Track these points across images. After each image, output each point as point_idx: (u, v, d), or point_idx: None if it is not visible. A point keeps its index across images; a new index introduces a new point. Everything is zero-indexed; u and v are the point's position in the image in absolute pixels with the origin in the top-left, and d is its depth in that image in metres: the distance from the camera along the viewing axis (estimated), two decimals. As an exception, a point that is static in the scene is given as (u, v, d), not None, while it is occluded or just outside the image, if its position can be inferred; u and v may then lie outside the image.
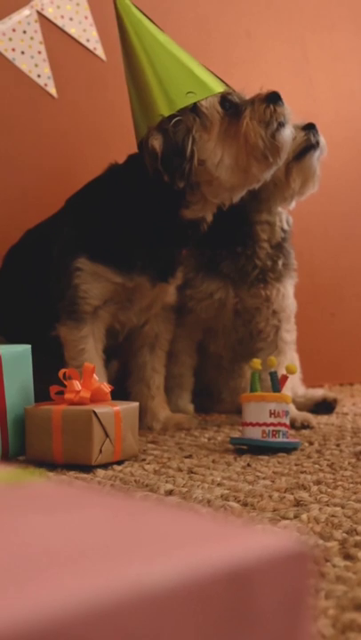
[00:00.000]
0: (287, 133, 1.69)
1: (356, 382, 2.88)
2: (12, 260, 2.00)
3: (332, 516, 1.01)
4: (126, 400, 1.61)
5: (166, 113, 1.63)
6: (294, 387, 2.08)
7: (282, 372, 1.63)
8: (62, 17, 2.30)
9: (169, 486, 1.20)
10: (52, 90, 2.29)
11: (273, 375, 1.58)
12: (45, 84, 2.28)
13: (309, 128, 1.92)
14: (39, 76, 2.27)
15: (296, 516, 1.02)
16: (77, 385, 1.43)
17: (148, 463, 1.42)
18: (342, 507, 1.06)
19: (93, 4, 2.34)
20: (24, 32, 2.24)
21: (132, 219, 1.72)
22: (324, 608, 0.69)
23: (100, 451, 1.37)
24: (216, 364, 2.16)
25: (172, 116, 1.63)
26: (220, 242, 1.96)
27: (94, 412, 1.36)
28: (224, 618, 0.35)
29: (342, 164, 2.88)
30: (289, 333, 2.03)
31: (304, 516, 1.01)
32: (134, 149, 1.75)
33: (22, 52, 2.24)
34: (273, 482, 1.23)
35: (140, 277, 1.75)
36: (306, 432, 1.77)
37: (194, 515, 0.43)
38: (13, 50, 2.23)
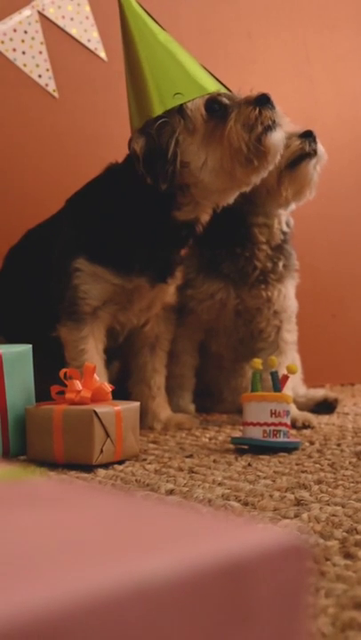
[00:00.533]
0: (276, 137, 1.64)
1: (357, 382, 2.88)
2: (12, 260, 2.00)
3: (333, 515, 1.01)
4: (127, 400, 1.61)
5: (158, 112, 1.63)
6: (295, 387, 2.08)
7: (283, 371, 1.63)
8: (63, 17, 2.30)
9: (170, 486, 1.20)
10: (53, 90, 2.30)
11: (274, 375, 1.58)
12: (46, 85, 2.29)
13: (306, 136, 1.89)
14: (40, 76, 2.27)
15: (297, 516, 1.02)
16: (78, 385, 1.43)
17: (149, 463, 1.42)
18: (343, 506, 1.06)
19: (94, 5, 2.35)
20: (25, 32, 2.24)
21: (128, 219, 1.72)
22: (323, 606, 0.69)
23: (101, 450, 1.37)
24: (217, 363, 2.16)
25: (158, 118, 1.63)
26: (219, 242, 1.96)
27: (95, 412, 1.36)
28: (221, 612, 0.35)
29: (344, 165, 2.88)
30: (290, 333, 2.03)
31: (305, 516, 1.01)
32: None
33: (23, 53, 2.24)
34: (274, 481, 1.23)
35: (139, 279, 1.75)
36: (307, 432, 1.77)
37: (191, 511, 0.43)
38: (14, 50, 2.23)
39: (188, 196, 1.70)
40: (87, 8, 2.34)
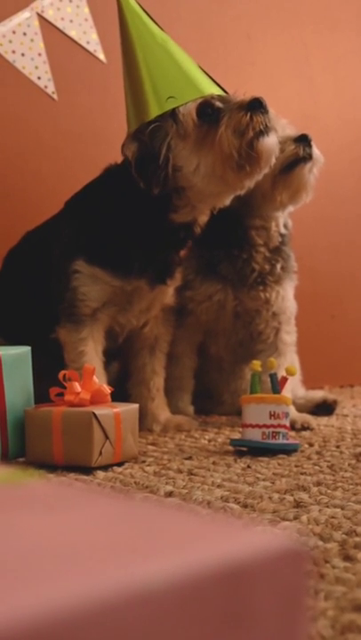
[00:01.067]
0: (268, 142, 1.63)
1: (357, 384, 2.88)
2: (11, 261, 2.00)
3: (332, 517, 1.01)
4: (126, 402, 1.61)
5: (154, 115, 1.63)
6: (294, 388, 2.08)
7: (282, 373, 1.63)
8: (62, 19, 2.31)
9: (169, 488, 1.20)
10: (53, 91, 2.30)
11: (273, 377, 1.58)
12: (45, 86, 2.29)
13: (301, 140, 1.88)
14: (39, 78, 2.27)
15: (296, 518, 1.02)
16: (77, 387, 1.43)
17: (149, 465, 1.41)
18: (342, 508, 1.06)
19: (94, 7, 2.35)
20: (24, 34, 2.24)
21: (126, 221, 1.72)
22: (323, 609, 0.69)
23: (100, 452, 1.37)
24: (216, 365, 2.16)
25: (151, 122, 1.63)
26: (217, 244, 1.96)
27: (94, 414, 1.36)
28: (220, 616, 0.35)
29: (344, 167, 2.88)
30: (289, 335, 2.03)
31: (304, 518, 1.01)
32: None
33: (22, 54, 2.24)
34: (273, 483, 1.23)
35: (138, 280, 1.75)
36: (306, 434, 1.77)
37: (190, 514, 0.43)
38: (14, 52, 2.23)
39: (184, 199, 1.70)
40: (86, 10, 2.34)
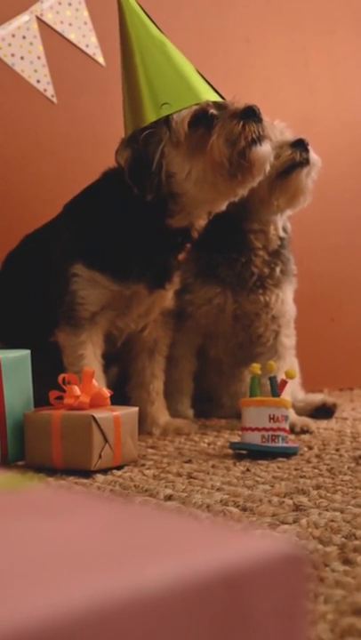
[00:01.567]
0: (261, 151, 1.62)
1: (356, 387, 2.88)
2: (10, 265, 2.00)
3: (332, 520, 1.01)
4: (126, 405, 1.61)
5: (151, 120, 1.63)
6: (294, 391, 2.08)
7: (281, 376, 1.63)
8: (62, 22, 2.31)
9: (168, 491, 1.20)
10: (52, 95, 2.30)
11: (272, 380, 1.58)
12: (45, 90, 2.29)
13: (297, 145, 1.87)
14: (38, 81, 2.27)
15: (295, 521, 1.02)
16: (77, 390, 1.43)
17: (148, 468, 1.41)
18: (341, 511, 1.06)
19: (93, 10, 2.35)
20: (23, 37, 2.24)
21: (124, 226, 1.72)
22: (322, 612, 0.69)
23: (100, 456, 1.37)
24: (216, 368, 2.16)
25: (145, 128, 1.63)
26: (216, 247, 1.96)
27: (94, 417, 1.36)
28: (219, 622, 0.35)
29: (343, 170, 2.88)
30: (288, 338, 2.03)
31: (303, 521, 1.01)
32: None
33: (22, 58, 2.24)
34: (272, 486, 1.23)
35: (137, 285, 1.75)
36: (305, 437, 1.77)
37: (189, 519, 0.43)
38: (13, 55, 2.23)
39: (180, 204, 1.70)
40: (85, 13, 2.34)
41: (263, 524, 1.01)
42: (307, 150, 1.87)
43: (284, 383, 1.59)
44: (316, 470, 1.37)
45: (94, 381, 1.47)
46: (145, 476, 1.35)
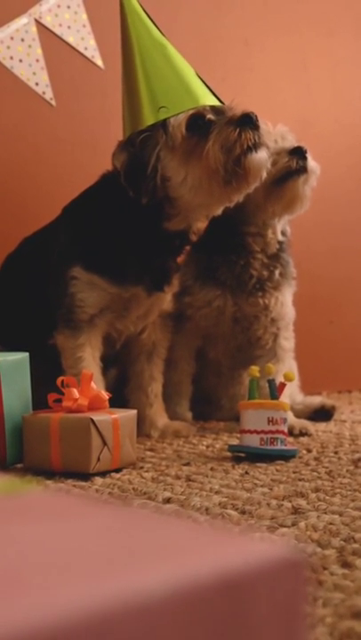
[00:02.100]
0: (256, 159, 1.62)
1: (355, 389, 2.88)
2: (9, 267, 2.00)
3: (330, 523, 1.01)
4: (125, 408, 1.61)
5: (149, 123, 1.63)
6: (292, 394, 2.08)
7: (280, 379, 1.63)
8: (60, 25, 2.31)
9: (167, 494, 1.20)
10: (51, 98, 2.30)
11: (271, 382, 1.58)
12: (43, 92, 2.29)
13: (295, 153, 1.87)
14: (37, 83, 2.27)
15: (294, 524, 1.02)
16: (75, 393, 1.43)
17: (147, 471, 1.41)
18: (340, 514, 1.06)
19: (91, 13, 2.35)
20: (22, 40, 2.24)
21: (122, 229, 1.72)
22: (321, 616, 0.68)
23: (98, 458, 1.37)
24: (215, 371, 2.16)
25: (142, 132, 1.63)
26: (215, 249, 1.96)
27: (92, 420, 1.36)
28: (218, 626, 0.35)
29: (342, 171, 2.88)
30: (287, 341, 2.03)
31: (302, 524, 1.01)
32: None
33: (20, 60, 2.25)
34: (271, 489, 1.23)
35: (135, 287, 1.75)
36: (304, 439, 1.77)
37: (188, 523, 0.43)
38: (12, 58, 2.23)
39: (176, 208, 1.70)
40: (84, 16, 2.34)
41: (262, 527, 1.01)
42: (305, 158, 1.87)
43: (282, 386, 1.59)
44: (314, 473, 1.37)
45: (93, 384, 1.47)
46: (143, 478, 1.35)
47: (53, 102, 2.31)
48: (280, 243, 1.99)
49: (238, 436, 1.61)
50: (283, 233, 2.01)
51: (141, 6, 1.69)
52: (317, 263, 2.85)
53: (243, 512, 1.10)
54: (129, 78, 1.67)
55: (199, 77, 1.68)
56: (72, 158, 2.35)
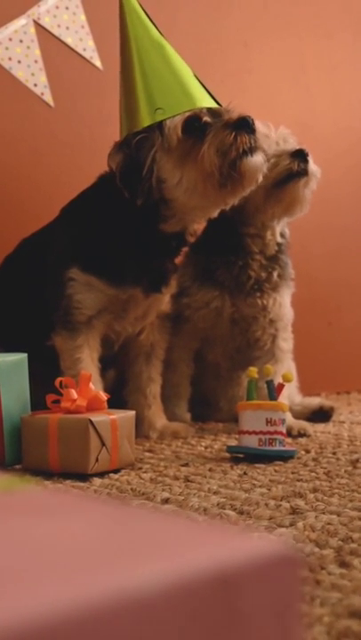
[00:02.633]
0: (252, 163, 1.62)
1: (353, 391, 2.88)
2: (7, 268, 2.00)
3: (328, 523, 1.01)
4: (123, 409, 1.61)
5: (145, 124, 1.63)
6: (291, 395, 2.08)
7: (278, 380, 1.63)
8: (59, 26, 2.31)
9: (165, 495, 1.20)
10: (49, 99, 2.30)
11: (269, 383, 1.58)
12: (42, 93, 2.29)
13: (296, 155, 1.86)
14: (36, 85, 2.27)
15: (292, 524, 1.02)
16: (74, 393, 1.43)
17: (145, 472, 1.41)
18: (338, 514, 1.06)
19: (90, 14, 2.35)
20: (20, 41, 2.24)
21: (118, 230, 1.72)
22: (319, 615, 0.68)
23: (97, 459, 1.37)
24: (214, 372, 2.16)
25: (138, 133, 1.63)
26: (213, 250, 1.96)
27: (90, 421, 1.36)
28: (213, 623, 0.35)
29: (341, 174, 2.88)
30: (286, 342, 2.03)
31: (300, 524, 1.01)
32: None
33: (19, 61, 2.25)
34: (269, 490, 1.23)
35: (133, 289, 1.75)
36: (302, 440, 1.77)
37: (184, 520, 0.43)
38: (10, 59, 2.23)
39: (172, 210, 1.70)
40: (83, 17, 2.34)
41: (260, 528, 1.01)
42: (306, 161, 1.87)
43: (281, 387, 1.59)
44: (313, 474, 1.37)
45: (91, 385, 1.47)
46: (142, 479, 1.35)
47: (52, 103, 2.31)
48: (279, 244, 1.99)
49: (237, 436, 1.61)
50: (282, 235, 2.01)
51: (141, 6, 1.69)
52: (316, 265, 2.85)
53: (241, 512, 1.10)
54: (127, 78, 1.67)
55: (197, 79, 1.68)
56: (70, 159, 2.35)
